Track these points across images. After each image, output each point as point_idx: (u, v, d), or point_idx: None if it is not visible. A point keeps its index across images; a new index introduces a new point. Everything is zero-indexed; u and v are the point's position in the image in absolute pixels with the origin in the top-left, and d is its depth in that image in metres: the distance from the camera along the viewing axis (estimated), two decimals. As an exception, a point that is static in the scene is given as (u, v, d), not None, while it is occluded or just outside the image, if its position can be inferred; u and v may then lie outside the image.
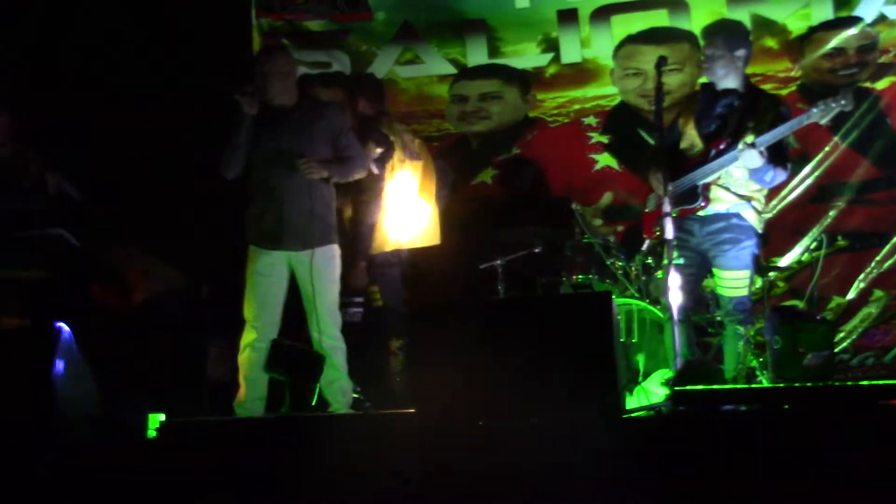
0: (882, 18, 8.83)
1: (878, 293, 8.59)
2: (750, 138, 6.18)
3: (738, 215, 6.42)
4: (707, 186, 6.42)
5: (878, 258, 8.60)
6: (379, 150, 7.73)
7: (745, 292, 6.45)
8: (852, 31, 8.86)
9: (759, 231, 6.51)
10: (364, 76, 9.08)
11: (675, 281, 6.24)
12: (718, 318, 7.24)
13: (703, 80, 7.61)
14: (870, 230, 8.68)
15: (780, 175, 6.41)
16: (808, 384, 5.37)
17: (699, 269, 6.59)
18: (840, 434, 4.37)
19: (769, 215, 7.30)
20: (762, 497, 4.24)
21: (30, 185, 7.41)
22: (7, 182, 7.34)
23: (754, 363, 6.58)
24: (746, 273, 6.45)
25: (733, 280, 6.44)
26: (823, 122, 6.36)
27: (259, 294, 6.86)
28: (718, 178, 6.42)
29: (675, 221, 6.27)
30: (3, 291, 7.11)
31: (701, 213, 6.46)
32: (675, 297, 6.25)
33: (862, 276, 8.62)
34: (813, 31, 8.85)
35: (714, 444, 4.54)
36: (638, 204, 8.89)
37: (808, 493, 4.18)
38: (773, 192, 6.88)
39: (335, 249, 7.01)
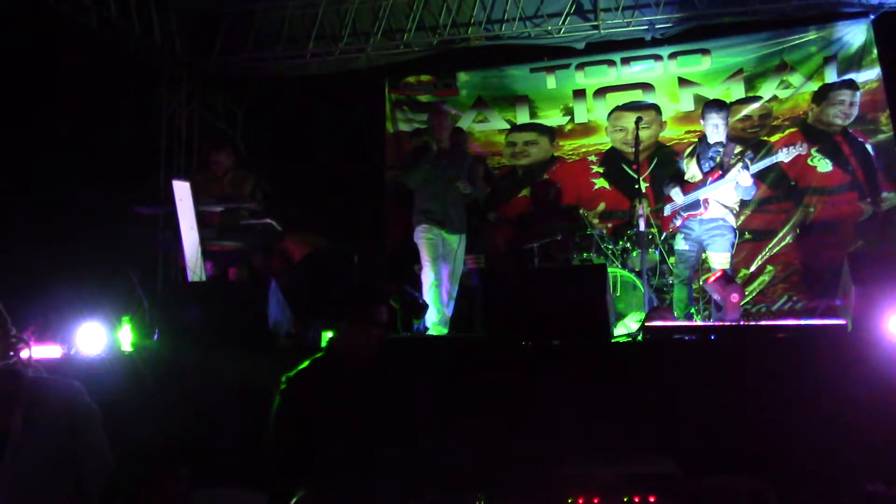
0: (774, 97, 8.86)
1: (769, 268, 8.61)
2: (741, 167, 6.16)
3: (724, 219, 6.38)
4: (706, 200, 6.35)
5: (769, 246, 8.64)
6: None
7: (728, 266, 6.37)
8: (756, 105, 8.91)
9: (735, 229, 6.51)
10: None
11: (681, 259, 6.50)
12: (671, 282, 7.23)
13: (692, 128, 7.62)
14: (765, 229, 8.70)
15: (755, 191, 6.41)
16: (727, 323, 5.28)
17: (698, 252, 6.51)
18: (747, 354, 4.50)
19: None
20: (697, 389, 4.29)
21: (249, 191, 7.57)
22: (237, 190, 7.50)
23: (693, 309, 6.52)
24: (729, 255, 6.41)
25: (723, 259, 6.36)
26: (787, 159, 6.38)
27: (433, 252, 6.80)
28: (714, 195, 6.35)
29: (684, 221, 6.45)
30: (234, 257, 7.32)
31: (702, 217, 6.38)
32: (645, 267, 6.61)
33: (759, 257, 8.65)
34: (732, 104, 8.67)
35: (668, 357, 4.67)
36: (621, 211, 9.07)
37: (727, 387, 4.25)
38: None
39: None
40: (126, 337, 5.44)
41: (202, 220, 7.03)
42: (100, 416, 2.97)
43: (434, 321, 6.68)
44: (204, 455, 4.44)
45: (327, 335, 5.37)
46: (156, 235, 7.74)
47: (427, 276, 6.79)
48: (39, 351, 4.98)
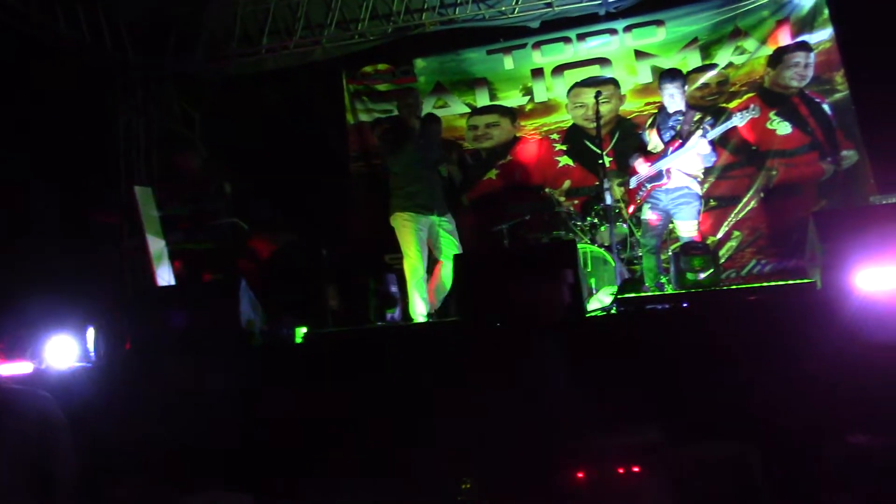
0: (730, 64, 8.89)
1: (736, 233, 8.63)
2: (701, 134, 6.16)
3: (688, 187, 6.32)
4: (669, 169, 6.29)
5: (735, 212, 8.66)
6: None
7: (696, 234, 6.32)
8: (712, 73, 8.92)
9: (701, 196, 6.46)
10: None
11: (648, 229, 6.42)
12: (639, 254, 7.12)
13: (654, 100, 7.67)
14: (729, 195, 8.71)
15: (714, 158, 6.37)
16: (699, 289, 5.20)
17: (665, 221, 6.47)
18: (720, 318, 4.52)
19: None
20: (674, 357, 4.28)
21: (213, 192, 7.49)
22: (201, 191, 7.42)
23: (664, 279, 6.59)
24: (696, 222, 6.36)
25: (690, 227, 6.31)
26: (742, 123, 6.33)
27: (417, 241, 6.35)
28: (676, 163, 6.29)
29: (649, 192, 6.40)
30: (203, 258, 7.21)
31: (667, 186, 6.32)
32: (614, 241, 6.55)
33: (726, 224, 8.66)
34: (689, 73, 8.78)
35: (644, 328, 4.67)
36: (587, 187, 9.06)
37: (703, 353, 4.24)
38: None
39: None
40: (97, 347, 5.37)
41: (169, 224, 6.98)
42: (67, 425, 2.95)
43: (424, 314, 6.37)
44: (188, 459, 4.44)
45: (301, 331, 5.51)
46: (120, 243, 7.64)
47: (414, 269, 6.39)
48: (9, 368, 4.91)
